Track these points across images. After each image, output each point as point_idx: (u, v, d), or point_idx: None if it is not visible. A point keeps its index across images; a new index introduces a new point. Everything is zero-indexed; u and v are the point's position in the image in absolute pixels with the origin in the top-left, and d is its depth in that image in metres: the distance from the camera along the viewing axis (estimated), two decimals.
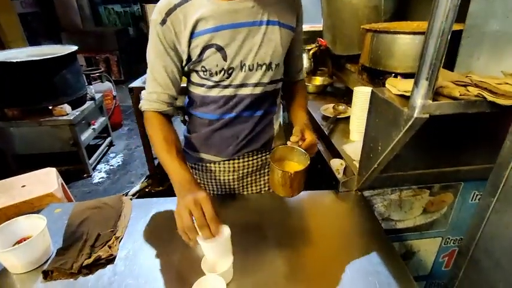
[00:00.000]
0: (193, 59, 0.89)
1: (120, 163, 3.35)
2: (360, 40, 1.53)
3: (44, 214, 0.92)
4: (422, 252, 1.31)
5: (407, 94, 0.75)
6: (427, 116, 0.73)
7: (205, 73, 0.91)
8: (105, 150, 3.52)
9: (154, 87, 0.91)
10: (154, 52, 0.89)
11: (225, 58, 0.88)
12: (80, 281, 0.77)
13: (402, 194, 1.13)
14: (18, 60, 2.60)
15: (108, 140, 3.61)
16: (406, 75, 1.23)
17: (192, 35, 0.85)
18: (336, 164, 1.12)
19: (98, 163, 3.30)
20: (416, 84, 0.71)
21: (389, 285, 0.74)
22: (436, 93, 0.74)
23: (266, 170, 1.15)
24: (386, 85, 0.86)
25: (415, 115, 0.71)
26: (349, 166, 1.14)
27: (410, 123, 0.72)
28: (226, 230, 0.72)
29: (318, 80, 1.99)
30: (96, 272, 0.79)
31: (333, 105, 1.57)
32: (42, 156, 2.81)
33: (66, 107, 2.77)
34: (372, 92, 0.88)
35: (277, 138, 1.12)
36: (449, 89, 0.75)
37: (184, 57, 0.89)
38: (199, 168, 1.11)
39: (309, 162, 0.83)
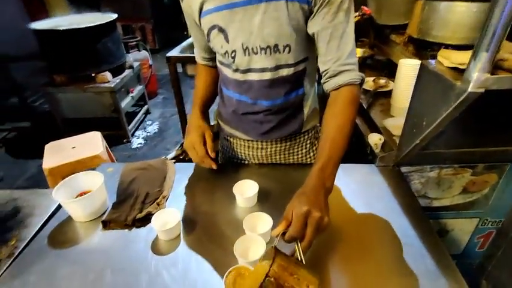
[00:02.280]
0: (206, 38, 0.91)
1: (157, 130, 3.51)
2: (408, 9, 1.42)
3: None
4: (457, 231, 1.29)
5: (462, 67, 0.71)
6: (482, 90, 0.69)
7: (220, 53, 0.91)
8: (142, 118, 3.69)
9: (196, 48, 1.07)
10: (187, 21, 0.95)
11: (227, 40, 0.85)
12: (133, 232, 0.86)
13: (442, 172, 1.11)
14: (64, 28, 2.72)
15: (145, 108, 3.77)
16: (458, 48, 1.14)
17: (200, 15, 0.86)
18: (374, 138, 1.11)
19: (136, 129, 3.49)
20: (474, 56, 0.67)
21: (423, 257, 0.75)
22: (494, 67, 0.70)
23: (296, 150, 1.10)
24: (438, 57, 0.82)
25: (469, 89, 0.68)
26: (387, 141, 1.12)
27: (462, 98, 0.69)
28: (254, 186, 0.91)
29: (358, 52, 1.90)
30: (147, 225, 0.87)
31: (372, 78, 1.52)
32: (86, 121, 3.02)
33: (108, 75, 2.91)
34: (421, 64, 0.84)
35: (310, 120, 1.04)
36: (510, 62, 0.70)
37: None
38: (230, 141, 1.13)
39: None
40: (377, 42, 1.86)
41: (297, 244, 0.60)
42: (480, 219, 1.25)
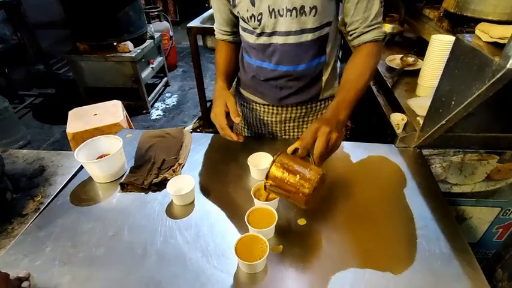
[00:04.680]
0: (231, 4, 0.90)
1: (175, 103, 3.54)
2: None
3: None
4: (475, 219, 1.25)
5: (502, 41, 0.66)
6: None
7: (242, 20, 0.92)
8: (161, 90, 3.72)
9: (216, 23, 1.06)
10: None
11: (253, 3, 0.86)
12: (149, 196, 0.89)
13: (466, 157, 1.06)
14: None
15: (164, 80, 3.79)
16: (498, 24, 1.06)
17: None
18: (397, 118, 1.07)
19: (155, 101, 3.53)
20: None
21: (438, 239, 0.74)
22: None
23: (310, 118, 1.12)
24: (476, 31, 0.75)
25: (508, 65, 0.63)
26: (410, 122, 1.07)
27: (499, 75, 0.64)
28: (269, 159, 0.91)
29: (387, 27, 1.80)
30: (162, 190, 0.90)
31: (400, 56, 1.44)
32: (107, 90, 3.08)
33: (129, 44, 2.91)
34: (457, 38, 0.78)
35: (328, 88, 1.05)
36: None
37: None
38: (246, 106, 1.16)
39: (319, 177, 0.65)
40: (408, 18, 1.75)
41: (311, 157, 0.70)
42: (502, 209, 1.20)
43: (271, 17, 0.87)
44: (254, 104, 1.12)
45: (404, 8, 1.78)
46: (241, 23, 0.97)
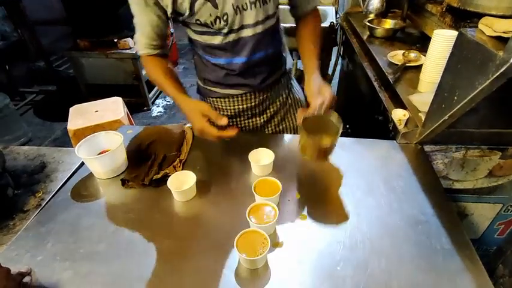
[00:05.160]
0: (185, 14, 0.88)
1: None
2: None
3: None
4: (476, 216, 1.25)
5: (506, 35, 0.65)
6: None
7: (201, 25, 0.91)
8: None
9: (143, 38, 0.95)
10: (135, 4, 0.89)
11: (215, 6, 0.86)
12: (150, 191, 0.89)
13: (468, 153, 1.05)
14: None
15: None
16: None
17: None
18: (398, 114, 1.06)
19: (156, 98, 3.53)
20: None
21: (439, 235, 0.74)
22: None
23: (281, 92, 1.18)
24: (479, 25, 0.75)
25: None
26: (412, 118, 1.07)
27: (503, 69, 0.64)
28: (270, 155, 0.92)
29: (389, 23, 1.79)
30: (162, 186, 0.90)
31: (402, 52, 1.43)
32: (108, 87, 3.07)
33: (130, 41, 2.91)
34: (460, 32, 0.77)
35: (285, 60, 1.15)
36: None
37: (169, 10, 0.87)
38: (222, 103, 1.14)
39: (341, 128, 0.83)
40: (410, 13, 1.73)
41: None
42: (503, 205, 1.20)
43: (236, 14, 0.88)
44: (230, 97, 1.11)
45: (407, 3, 1.76)
46: (196, 27, 0.93)
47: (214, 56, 1.00)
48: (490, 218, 1.25)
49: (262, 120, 1.19)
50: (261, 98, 1.12)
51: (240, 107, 1.13)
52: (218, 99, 1.13)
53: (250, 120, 1.18)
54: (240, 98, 1.11)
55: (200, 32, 0.95)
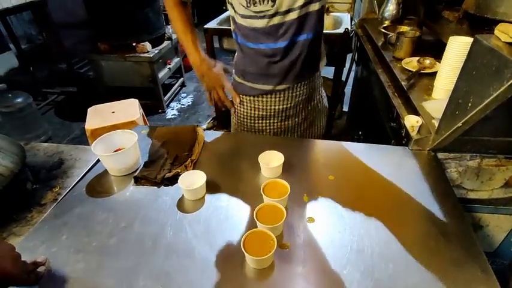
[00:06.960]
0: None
1: (190, 103, 3.59)
2: None
3: None
4: (492, 227, 1.21)
5: None
6: None
7: (249, 3, 0.93)
8: (177, 90, 3.79)
9: None
10: None
11: None
12: (161, 190, 0.91)
13: (483, 162, 1.03)
14: None
15: (180, 80, 3.85)
16: None
17: None
18: (412, 120, 1.05)
19: (171, 101, 3.60)
20: None
21: (450, 243, 0.72)
22: None
23: (314, 94, 1.21)
24: (496, 31, 0.74)
25: None
26: (425, 124, 1.05)
27: None
28: (280, 157, 0.92)
29: (405, 29, 1.77)
30: (174, 185, 0.92)
31: (417, 58, 1.41)
32: (125, 90, 3.16)
33: (147, 45, 2.99)
34: (475, 39, 0.76)
35: (321, 58, 1.16)
36: None
37: None
38: (255, 100, 1.17)
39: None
40: (427, 20, 1.71)
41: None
42: None
43: None
44: (269, 94, 1.13)
45: (423, 10, 1.75)
46: (241, 9, 0.98)
47: (257, 42, 1.03)
48: (507, 230, 1.21)
49: (294, 123, 1.20)
50: (296, 99, 1.15)
51: (276, 107, 1.15)
52: (256, 98, 1.16)
53: (283, 123, 1.20)
54: (277, 97, 1.13)
55: (246, 16, 0.99)
